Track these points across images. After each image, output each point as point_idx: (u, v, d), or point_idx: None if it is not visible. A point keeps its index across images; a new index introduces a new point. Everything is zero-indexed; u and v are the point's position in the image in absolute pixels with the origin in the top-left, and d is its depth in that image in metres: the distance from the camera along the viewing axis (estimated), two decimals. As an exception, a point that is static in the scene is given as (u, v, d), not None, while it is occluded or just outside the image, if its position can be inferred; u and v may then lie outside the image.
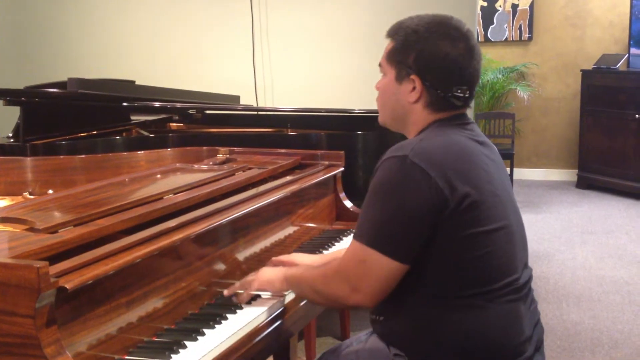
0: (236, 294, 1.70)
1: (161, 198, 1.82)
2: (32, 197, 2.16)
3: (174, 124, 3.65)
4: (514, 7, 7.08)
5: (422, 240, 1.42)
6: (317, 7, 4.46)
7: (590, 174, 6.55)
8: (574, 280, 4.09)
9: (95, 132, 3.23)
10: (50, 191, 2.16)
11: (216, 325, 1.54)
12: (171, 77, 4.48)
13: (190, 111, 3.52)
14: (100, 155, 2.58)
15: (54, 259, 1.31)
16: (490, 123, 6.62)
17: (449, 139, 1.50)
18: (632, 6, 6.40)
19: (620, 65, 6.36)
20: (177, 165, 2.38)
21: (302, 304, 1.77)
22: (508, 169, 5.89)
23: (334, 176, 2.47)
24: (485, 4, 7.13)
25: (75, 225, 1.52)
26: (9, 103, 2.97)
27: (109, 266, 1.35)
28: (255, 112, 3.93)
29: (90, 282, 1.30)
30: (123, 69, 4.51)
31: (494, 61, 6.94)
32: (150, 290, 1.49)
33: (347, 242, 2.23)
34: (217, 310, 1.63)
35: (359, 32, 4.40)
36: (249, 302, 1.68)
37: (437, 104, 1.53)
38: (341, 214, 2.50)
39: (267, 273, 1.69)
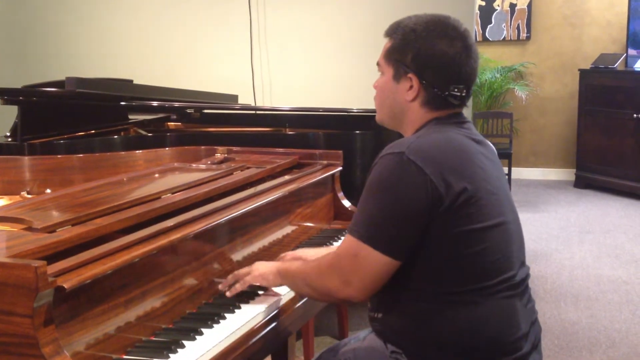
0: (229, 287, 1.71)
1: (159, 197, 1.82)
2: (29, 196, 2.15)
3: (172, 123, 3.65)
4: (512, 6, 7.08)
5: (416, 236, 1.43)
6: (315, 6, 4.46)
7: (588, 174, 6.55)
8: (571, 279, 4.10)
9: (93, 131, 3.22)
10: (48, 190, 2.16)
11: (214, 325, 1.54)
12: (169, 76, 4.48)
13: (188, 110, 3.52)
14: (98, 154, 2.58)
15: (51, 258, 1.31)
16: (488, 122, 6.62)
17: (446, 136, 1.51)
18: (630, 6, 6.41)
19: (618, 64, 6.37)
20: (175, 164, 2.37)
21: (300, 303, 1.78)
22: (506, 169, 5.89)
23: (332, 175, 2.47)
24: (483, 3, 7.13)
25: (73, 225, 1.52)
26: (6, 102, 2.97)
27: (107, 265, 1.35)
28: (254, 112, 3.92)
29: (88, 281, 1.30)
30: (121, 69, 4.51)
31: (492, 60, 6.94)
32: (148, 289, 1.49)
33: (345, 241, 2.23)
34: (216, 309, 1.63)
35: (357, 31, 4.40)
36: (247, 302, 1.68)
37: (434, 103, 1.54)
38: (339, 213, 2.50)
39: (261, 267, 1.70)
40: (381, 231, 1.43)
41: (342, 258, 1.48)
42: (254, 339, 1.57)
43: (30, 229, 1.49)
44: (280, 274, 1.66)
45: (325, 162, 2.48)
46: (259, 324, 1.62)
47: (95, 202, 1.74)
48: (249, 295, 1.71)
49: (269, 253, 2.01)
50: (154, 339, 1.48)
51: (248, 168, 2.28)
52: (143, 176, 2.17)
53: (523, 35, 7.08)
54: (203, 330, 1.50)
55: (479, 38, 7.12)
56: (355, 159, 3.01)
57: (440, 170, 1.42)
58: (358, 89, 4.22)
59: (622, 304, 3.69)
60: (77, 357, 1.28)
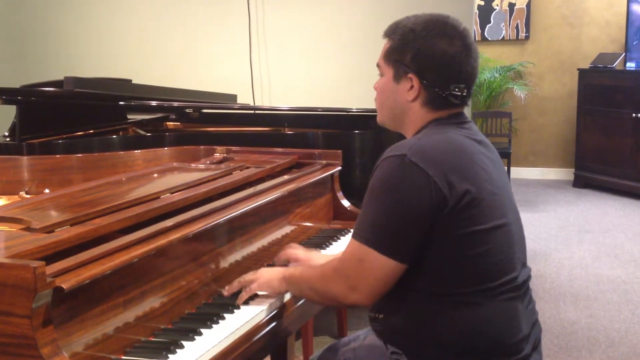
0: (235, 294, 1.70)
1: (158, 197, 1.82)
2: (28, 196, 2.15)
3: (171, 123, 3.64)
4: (511, 6, 7.08)
5: (420, 239, 1.42)
6: (314, 6, 4.46)
7: (587, 173, 6.55)
8: (570, 279, 4.10)
9: (91, 131, 3.22)
10: (47, 190, 2.15)
11: (213, 325, 1.54)
12: (168, 76, 4.48)
13: (187, 110, 3.52)
14: (97, 154, 2.57)
15: (50, 258, 1.31)
16: (487, 122, 6.63)
17: (448, 137, 1.50)
18: (628, 5, 6.41)
19: (617, 64, 6.37)
20: (174, 164, 2.37)
21: (299, 303, 1.77)
22: (505, 168, 5.89)
23: (332, 175, 2.47)
24: (482, 2, 7.13)
25: (71, 225, 1.51)
26: (5, 102, 2.97)
27: (106, 266, 1.35)
28: (253, 111, 3.92)
29: (87, 281, 1.29)
30: (120, 68, 4.51)
31: (491, 60, 6.94)
32: (147, 289, 1.48)
33: (344, 241, 2.23)
34: (215, 309, 1.63)
35: (356, 31, 4.40)
36: (246, 302, 1.67)
37: (435, 103, 1.54)
38: (339, 213, 2.49)
39: (266, 273, 1.69)
40: (386, 235, 1.42)
41: (347, 263, 1.47)
42: (253, 339, 1.57)
43: (28, 229, 1.49)
44: (286, 279, 1.65)
45: (324, 161, 2.47)
46: (258, 324, 1.62)
47: (94, 202, 1.73)
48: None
49: (268, 253, 2.01)
50: (152, 339, 1.47)
51: (247, 168, 2.28)
52: (142, 176, 2.16)
53: (522, 34, 7.08)
54: (202, 330, 1.49)
55: (477, 37, 7.12)
56: (354, 159, 3.01)
57: (443, 172, 1.41)
58: (357, 89, 4.22)
59: (621, 304, 3.69)
60: (75, 357, 1.27)
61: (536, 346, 1.55)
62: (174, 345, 1.41)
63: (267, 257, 1.98)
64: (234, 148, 2.56)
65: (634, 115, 6.04)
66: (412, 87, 1.53)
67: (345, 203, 2.49)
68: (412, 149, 1.44)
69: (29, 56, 4.95)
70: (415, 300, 1.47)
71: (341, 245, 2.19)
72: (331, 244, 2.21)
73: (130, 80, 3.69)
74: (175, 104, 3.45)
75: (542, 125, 7.18)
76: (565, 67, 7.01)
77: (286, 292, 1.70)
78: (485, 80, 6.77)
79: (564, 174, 7.06)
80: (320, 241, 2.22)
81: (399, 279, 1.45)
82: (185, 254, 1.63)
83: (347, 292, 1.47)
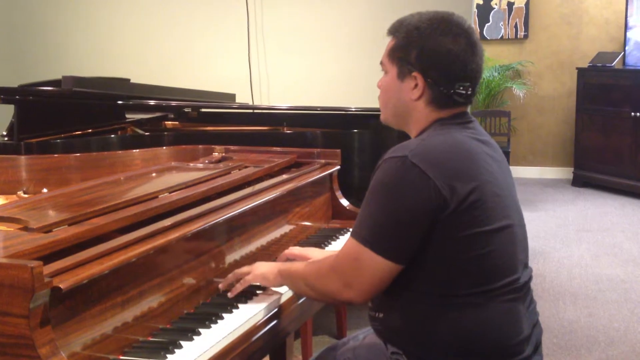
0: (230, 287, 1.70)
1: (156, 197, 1.82)
2: (26, 195, 2.14)
3: (170, 122, 3.64)
4: (510, 5, 7.08)
5: (418, 241, 1.41)
6: (312, 5, 4.46)
7: (586, 172, 6.56)
8: (570, 278, 4.10)
9: (90, 130, 3.21)
10: (45, 190, 2.15)
11: (212, 325, 1.53)
12: (166, 75, 4.48)
13: (186, 109, 3.51)
14: (95, 153, 2.57)
15: (48, 258, 1.31)
16: (486, 121, 6.63)
17: (451, 138, 1.48)
18: (627, 4, 6.40)
19: (616, 63, 6.37)
20: (173, 163, 2.37)
21: (298, 303, 1.77)
22: (510, 168, 5.88)
23: (330, 174, 2.47)
24: (481, 2, 7.13)
25: (69, 225, 1.51)
26: (3, 101, 2.96)
27: (104, 265, 1.34)
28: (251, 111, 3.92)
29: (84, 281, 1.29)
30: (118, 68, 4.50)
31: (489, 59, 6.94)
32: (145, 289, 1.48)
33: (343, 240, 2.22)
34: (213, 309, 1.62)
35: (355, 30, 4.40)
36: (245, 302, 1.67)
37: (440, 101, 1.52)
38: (337, 212, 2.49)
39: (262, 267, 1.69)
40: (383, 235, 1.42)
41: (344, 261, 1.47)
42: (252, 339, 1.57)
43: (26, 228, 1.49)
44: (281, 274, 1.65)
45: (323, 161, 2.47)
46: (257, 323, 1.61)
47: (92, 201, 1.73)
48: (247, 295, 1.70)
49: (267, 252, 2.00)
50: (151, 339, 1.47)
51: (246, 167, 2.27)
52: (140, 175, 2.16)
53: (521, 33, 7.08)
54: (201, 330, 1.49)
55: (476, 37, 7.11)
56: (353, 158, 3.01)
57: (444, 174, 1.40)
58: (356, 88, 4.22)
59: (620, 303, 3.69)
60: (73, 357, 1.27)
61: (537, 347, 1.54)
62: (173, 345, 1.41)
63: (266, 256, 1.98)
64: (232, 147, 2.56)
65: (632, 114, 6.04)
66: (416, 85, 1.52)
67: (344, 202, 2.49)
68: (414, 150, 1.43)
69: (27, 55, 4.94)
70: (416, 301, 1.46)
71: (340, 244, 2.18)
72: (330, 243, 2.21)
73: (129, 80, 3.68)
74: (174, 103, 3.44)
75: (541, 124, 7.18)
76: (564, 66, 7.01)
77: (281, 285, 1.70)
78: (484, 79, 6.76)
79: (563, 173, 7.06)
80: (318, 240, 2.22)
81: (399, 278, 1.45)
82: (183, 253, 1.62)
83: (341, 288, 1.47)
